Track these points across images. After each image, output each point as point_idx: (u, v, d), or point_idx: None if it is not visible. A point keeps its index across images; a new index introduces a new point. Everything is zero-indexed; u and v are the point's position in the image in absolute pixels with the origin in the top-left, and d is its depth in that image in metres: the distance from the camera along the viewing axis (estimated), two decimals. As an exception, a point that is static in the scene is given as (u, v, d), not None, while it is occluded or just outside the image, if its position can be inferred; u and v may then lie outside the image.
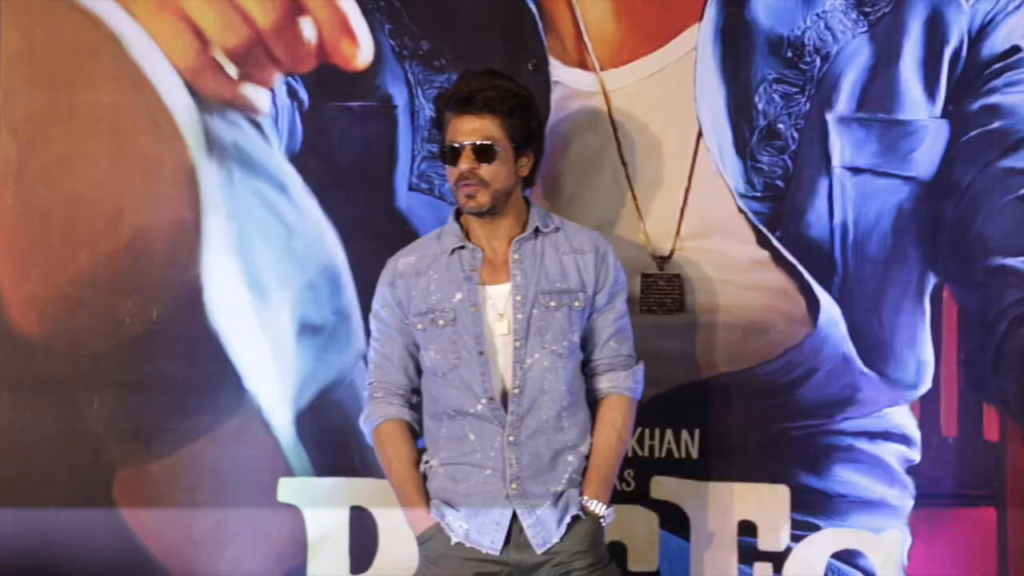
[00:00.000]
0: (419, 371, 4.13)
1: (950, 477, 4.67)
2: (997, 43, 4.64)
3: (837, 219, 4.61)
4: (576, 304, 4.06)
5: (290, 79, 4.59)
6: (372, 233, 4.58)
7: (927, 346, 4.65)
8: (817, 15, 4.63)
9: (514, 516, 3.97)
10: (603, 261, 4.11)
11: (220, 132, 4.54)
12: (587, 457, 4.05)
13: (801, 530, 4.62)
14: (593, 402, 4.12)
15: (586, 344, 4.10)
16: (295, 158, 4.60)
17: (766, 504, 4.60)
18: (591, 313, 4.09)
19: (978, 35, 4.65)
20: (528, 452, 3.98)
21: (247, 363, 4.55)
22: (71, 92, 4.59)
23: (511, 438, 3.99)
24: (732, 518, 4.61)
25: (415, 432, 4.12)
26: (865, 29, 4.64)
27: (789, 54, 4.61)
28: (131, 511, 4.57)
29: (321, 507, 4.59)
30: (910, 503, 4.64)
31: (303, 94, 4.60)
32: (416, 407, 4.13)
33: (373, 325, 4.15)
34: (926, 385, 4.66)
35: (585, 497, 4.02)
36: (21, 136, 4.60)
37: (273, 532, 4.59)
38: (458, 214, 4.14)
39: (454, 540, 3.98)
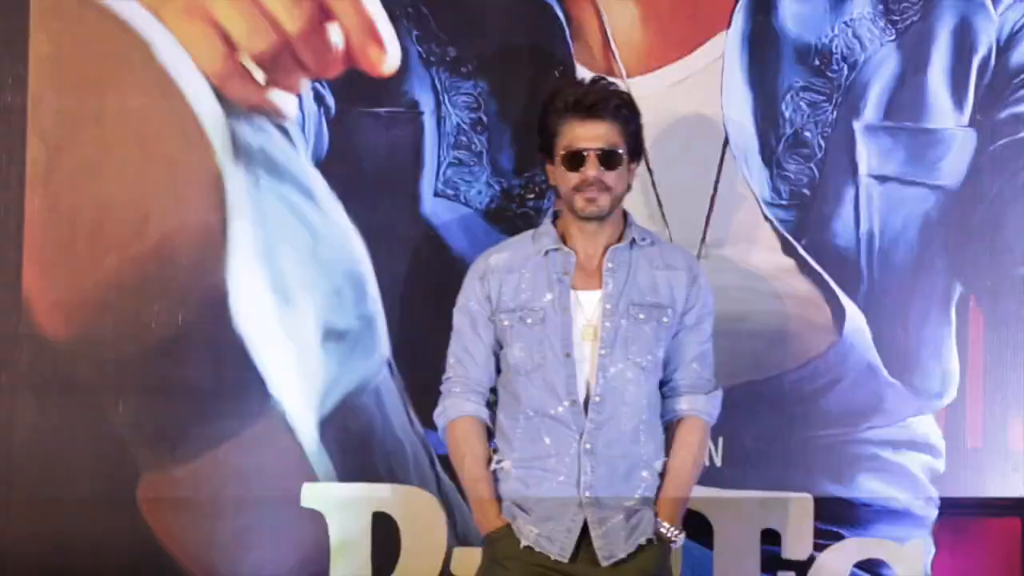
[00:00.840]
0: (498, 370, 4.09)
1: (975, 487, 4.66)
2: (1025, 52, 4.63)
3: (863, 228, 4.59)
4: (664, 320, 4.02)
5: (317, 84, 4.58)
6: (397, 239, 4.57)
7: (953, 356, 4.64)
8: (845, 23, 4.62)
9: (584, 528, 3.93)
10: (695, 282, 4.07)
11: (247, 137, 4.53)
12: (661, 475, 4.01)
13: (825, 539, 4.60)
14: (669, 422, 4.07)
15: (668, 363, 4.05)
16: (321, 164, 4.59)
17: (790, 513, 4.59)
18: (677, 332, 4.05)
19: (1007, 44, 4.63)
20: (604, 462, 3.93)
21: (272, 368, 4.54)
22: (99, 97, 4.58)
23: (588, 446, 3.95)
24: (755, 527, 4.59)
25: (490, 432, 4.08)
26: (893, 37, 4.63)
27: (817, 62, 4.60)
28: (155, 515, 4.57)
29: (344, 513, 4.58)
30: (934, 513, 4.62)
31: (330, 100, 4.60)
32: (491, 406, 4.09)
33: (457, 319, 4.10)
34: (951, 395, 4.64)
35: (658, 519, 3.98)
36: (49, 140, 4.60)
37: (296, 537, 4.59)
38: (555, 217, 4.11)
39: (523, 543, 3.94)
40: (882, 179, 4.61)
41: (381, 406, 4.56)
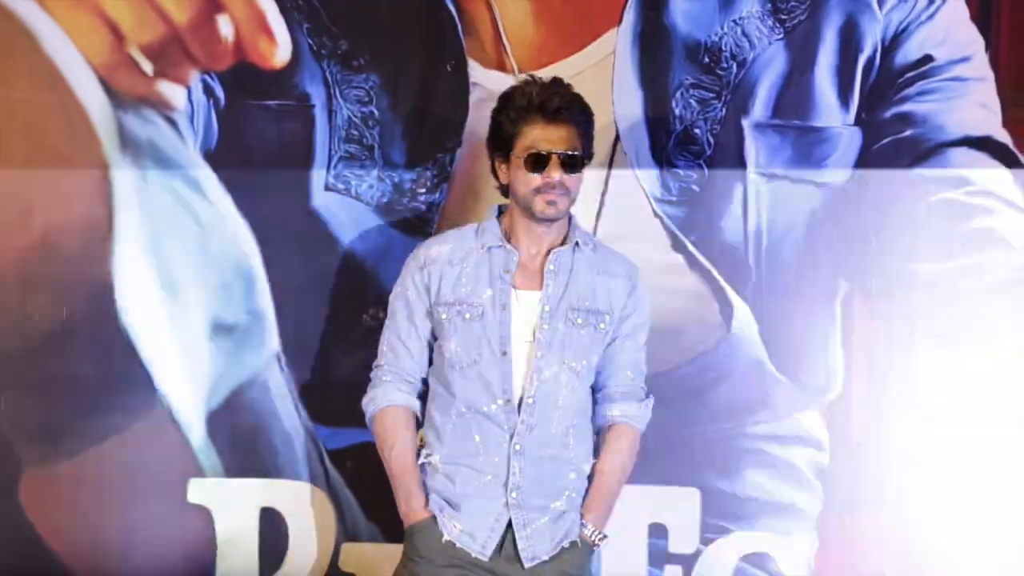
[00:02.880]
0: (431, 362, 4.05)
1: (858, 482, 4.68)
2: (910, 52, 4.63)
3: (751, 224, 4.59)
4: (601, 326, 4.01)
5: (206, 76, 4.51)
6: (287, 233, 4.50)
7: (838, 351, 4.64)
8: (734, 21, 4.61)
9: (508, 527, 3.91)
10: (634, 290, 4.07)
11: (135, 129, 4.47)
12: (589, 478, 4.00)
13: (711, 533, 4.60)
14: (600, 427, 4.06)
15: (602, 369, 4.05)
16: (211, 156, 4.52)
17: (677, 507, 4.58)
18: (613, 339, 4.04)
19: (892, 44, 4.65)
20: (532, 463, 3.91)
21: (158, 362, 4.48)
22: (-15, 87, 4.51)
23: (517, 447, 3.92)
24: (643, 521, 4.59)
25: (419, 423, 4.03)
26: (781, 36, 4.62)
27: (706, 60, 4.59)
28: (38, 511, 4.50)
29: (231, 508, 4.53)
30: (819, 507, 4.64)
31: (219, 92, 4.53)
32: (422, 397, 4.04)
33: (393, 307, 4.04)
34: (836, 390, 4.64)
35: (584, 522, 3.97)
36: (-67, 130, 4.52)
37: (182, 533, 4.53)
38: (499, 212, 4.06)
39: (445, 537, 3.89)
40: (770, 176, 4.61)
41: (269, 401, 4.50)
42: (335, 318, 4.42)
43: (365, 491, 4.56)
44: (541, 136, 3.93)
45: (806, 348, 4.62)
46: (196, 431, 4.49)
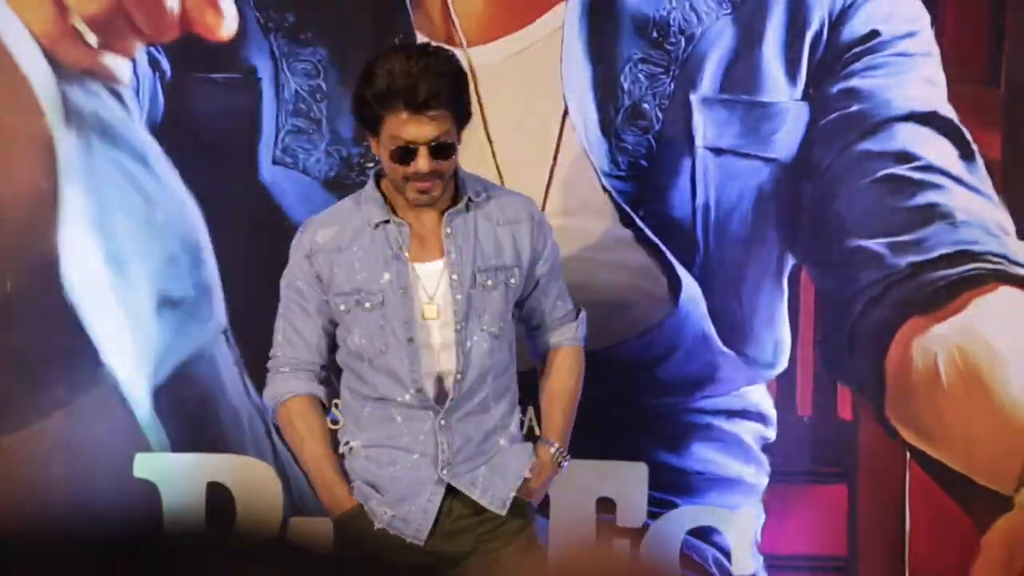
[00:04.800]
0: (332, 347, 3.81)
1: (804, 455, 4.68)
2: (857, 27, 4.61)
3: (699, 199, 4.57)
4: (512, 281, 3.75)
5: (152, 49, 4.44)
6: (235, 206, 4.45)
7: (784, 326, 4.64)
8: (682, -5, 4.59)
9: (443, 504, 3.70)
10: (539, 228, 3.79)
11: (79, 102, 4.40)
12: (522, 439, 3.80)
13: (659, 507, 4.58)
14: (541, 354, 3.88)
15: (533, 312, 3.83)
16: (156, 129, 4.45)
17: (625, 482, 4.56)
18: (537, 282, 3.80)
19: (838, 19, 4.63)
20: (459, 435, 3.69)
21: (104, 337, 4.42)
22: (-75, 59, 4.44)
23: (442, 422, 3.69)
24: (591, 495, 4.56)
25: (325, 407, 3.81)
26: (729, 11, 4.59)
27: (655, 34, 4.55)
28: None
29: (178, 483, 4.48)
30: (765, 480, 4.63)
31: (165, 64, 4.47)
32: (325, 382, 3.82)
33: (284, 295, 3.78)
34: (783, 365, 4.64)
35: (548, 439, 3.81)
36: None
37: (128, 508, 4.49)
38: (377, 178, 3.76)
39: (377, 525, 3.69)
40: (718, 151, 4.59)
41: (216, 375, 4.46)
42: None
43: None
44: (405, 127, 3.60)
45: (753, 323, 4.61)
46: (142, 406, 4.45)
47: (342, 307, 3.72)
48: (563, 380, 3.85)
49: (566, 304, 3.87)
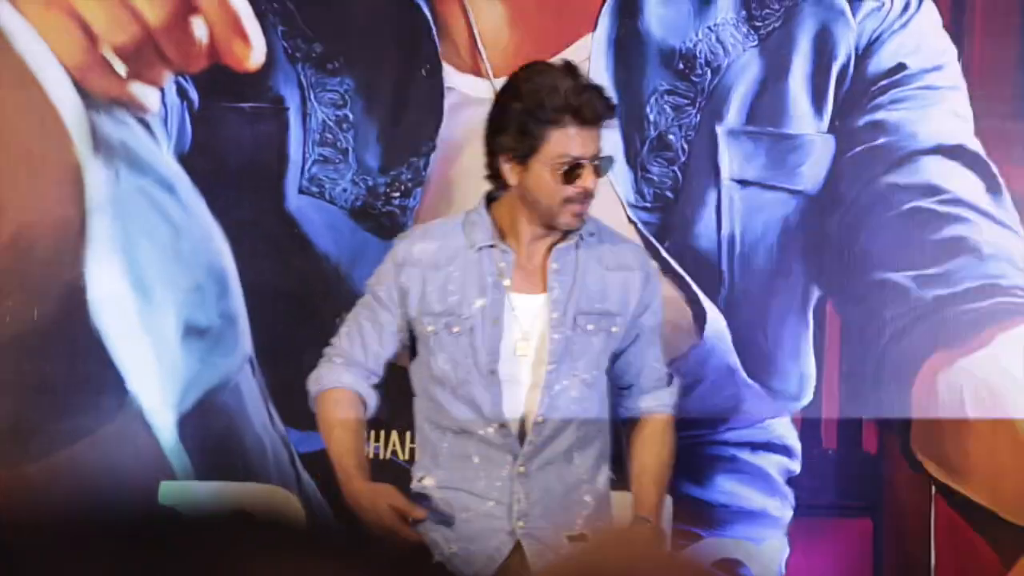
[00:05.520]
0: (391, 361, 3.61)
1: (829, 488, 4.65)
2: (883, 60, 4.60)
3: (725, 231, 4.55)
4: (614, 329, 3.55)
5: (180, 78, 4.45)
6: (261, 235, 4.44)
7: (810, 358, 4.61)
8: (709, 28, 4.57)
9: (511, 554, 3.49)
10: (650, 280, 3.62)
11: (107, 131, 4.41)
12: (604, 495, 3.60)
13: (683, 540, 4.57)
14: (629, 420, 3.67)
15: (628, 368, 3.62)
16: (184, 158, 4.46)
17: (649, 513, 4.55)
18: (636, 336, 3.60)
19: (865, 51, 4.62)
20: (538, 486, 3.48)
21: (130, 365, 4.41)
22: (-43, 88, 4.46)
23: (521, 469, 3.48)
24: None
25: (366, 407, 3.60)
26: (755, 43, 4.59)
27: (681, 66, 4.55)
28: (7, 513, 4.45)
29: (202, 511, 4.49)
30: (789, 514, 4.60)
31: (193, 94, 4.47)
32: (375, 388, 3.61)
33: (365, 298, 3.60)
34: (808, 397, 4.61)
35: (642, 516, 3.60)
36: (-96, 131, 4.46)
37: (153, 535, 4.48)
38: (489, 201, 3.56)
39: (437, 558, 3.50)
40: (743, 183, 4.57)
41: (241, 404, 4.45)
42: (308, 321, 4.37)
43: (336, 495, 4.50)
44: (576, 143, 3.43)
45: (778, 355, 4.59)
46: (167, 434, 4.44)
47: (429, 328, 3.53)
48: (657, 453, 3.65)
49: (662, 366, 3.68)
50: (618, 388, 3.64)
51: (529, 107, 3.45)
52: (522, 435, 3.51)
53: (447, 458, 3.53)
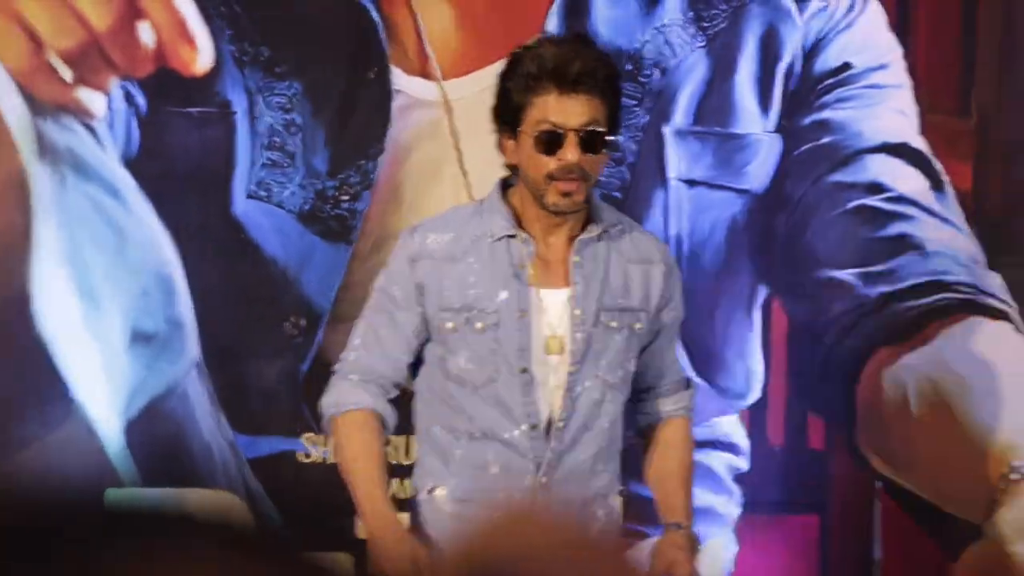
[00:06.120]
0: (414, 365, 3.39)
1: (776, 485, 4.66)
2: (829, 59, 4.59)
3: (672, 231, 4.54)
4: (637, 326, 3.37)
5: (127, 83, 4.38)
6: (208, 240, 4.39)
7: (757, 356, 4.62)
8: (656, 29, 4.55)
9: None
10: (672, 273, 3.43)
11: (53, 136, 4.34)
12: (616, 513, 3.46)
13: (632, 538, 4.57)
14: (648, 424, 3.56)
15: (648, 369, 3.46)
16: (131, 163, 4.39)
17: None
18: (656, 333, 3.42)
19: (811, 51, 4.61)
20: (560, 499, 3.31)
21: (76, 372, 4.36)
22: (-101, 92, 4.37)
23: (543, 479, 3.28)
24: (564, 527, 4.54)
25: (387, 428, 3.39)
26: (703, 44, 4.57)
27: (629, 67, 4.52)
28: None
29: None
30: (737, 511, 4.61)
31: (140, 99, 4.41)
32: (394, 404, 3.39)
33: (374, 299, 3.39)
34: (755, 395, 4.62)
35: (676, 522, 3.43)
36: None
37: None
38: (504, 187, 3.37)
39: None
40: (691, 183, 4.56)
41: (189, 410, 4.41)
42: (256, 326, 4.33)
43: (284, 500, 4.48)
44: (555, 109, 3.23)
45: (726, 353, 4.59)
46: (114, 441, 4.38)
47: (448, 324, 3.32)
48: (681, 456, 3.49)
49: (680, 369, 3.56)
50: (635, 392, 3.47)
51: (511, 73, 3.31)
52: (546, 441, 3.32)
53: (461, 466, 3.32)
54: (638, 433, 3.55)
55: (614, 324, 3.35)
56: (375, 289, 3.42)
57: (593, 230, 3.35)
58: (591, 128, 3.26)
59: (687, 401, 3.52)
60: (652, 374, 3.46)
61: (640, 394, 3.47)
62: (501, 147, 3.36)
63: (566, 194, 3.26)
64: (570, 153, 3.23)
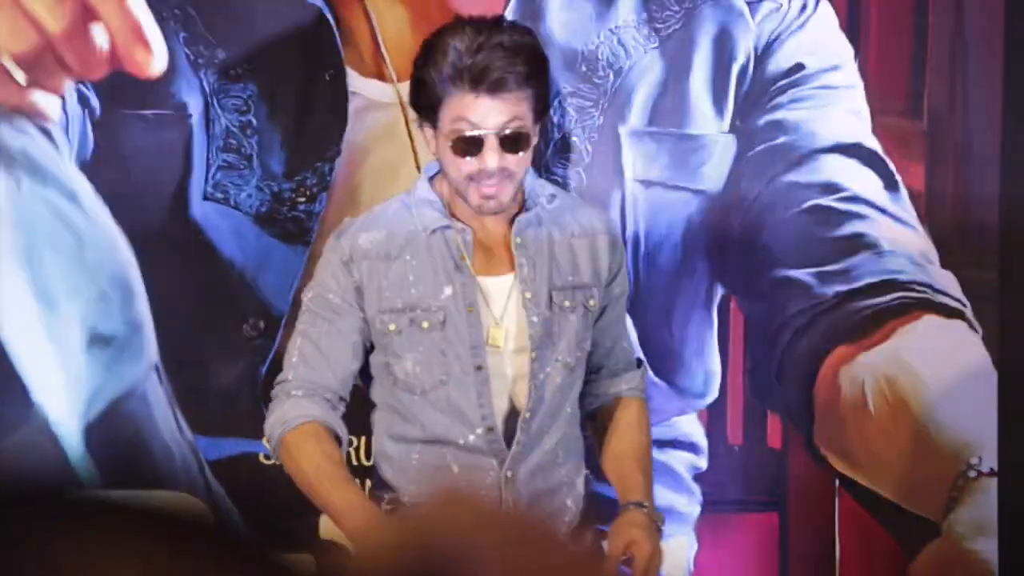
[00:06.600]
0: (361, 375, 3.25)
1: (735, 484, 4.66)
2: (782, 60, 4.61)
3: (629, 231, 4.55)
4: (591, 303, 3.23)
5: (81, 86, 4.37)
6: (166, 243, 4.35)
7: (715, 356, 4.62)
8: (611, 31, 4.56)
9: None
10: (616, 244, 3.30)
11: (7, 139, 4.33)
12: (583, 497, 3.35)
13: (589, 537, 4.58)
14: (600, 406, 3.45)
15: (596, 346, 3.32)
16: (86, 166, 4.37)
17: (558, 512, 4.55)
18: (603, 308, 3.28)
19: (764, 52, 4.63)
20: (527, 491, 3.18)
21: (34, 375, 4.34)
22: None
23: (509, 474, 3.15)
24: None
25: (342, 445, 3.22)
26: (656, 45, 4.58)
27: (584, 68, 4.54)
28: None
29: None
30: (697, 510, 4.61)
31: (95, 101, 4.40)
32: (343, 419, 3.23)
33: (309, 310, 3.23)
34: (713, 394, 4.62)
35: (635, 501, 3.29)
36: None
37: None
38: (431, 174, 3.21)
39: None
40: (647, 184, 4.57)
41: (148, 412, 4.39)
42: (214, 328, 4.32)
43: (245, 501, 4.47)
44: (471, 110, 3.05)
45: (684, 353, 4.59)
46: (73, 444, 4.37)
47: (391, 327, 3.16)
48: (637, 436, 3.39)
49: (631, 346, 3.43)
50: (586, 374, 3.35)
51: (427, 59, 3.13)
52: (508, 436, 3.23)
53: (419, 471, 3.18)
54: (587, 416, 3.48)
55: (568, 304, 3.22)
56: (305, 304, 3.27)
57: (532, 208, 3.22)
58: (512, 128, 3.10)
59: (639, 381, 3.43)
60: (601, 352, 3.34)
61: (588, 375, 3.34)
62: (424, 135, 3.21)
63: (488, 196, 3.11)
64: (490, 159, 3.08)
